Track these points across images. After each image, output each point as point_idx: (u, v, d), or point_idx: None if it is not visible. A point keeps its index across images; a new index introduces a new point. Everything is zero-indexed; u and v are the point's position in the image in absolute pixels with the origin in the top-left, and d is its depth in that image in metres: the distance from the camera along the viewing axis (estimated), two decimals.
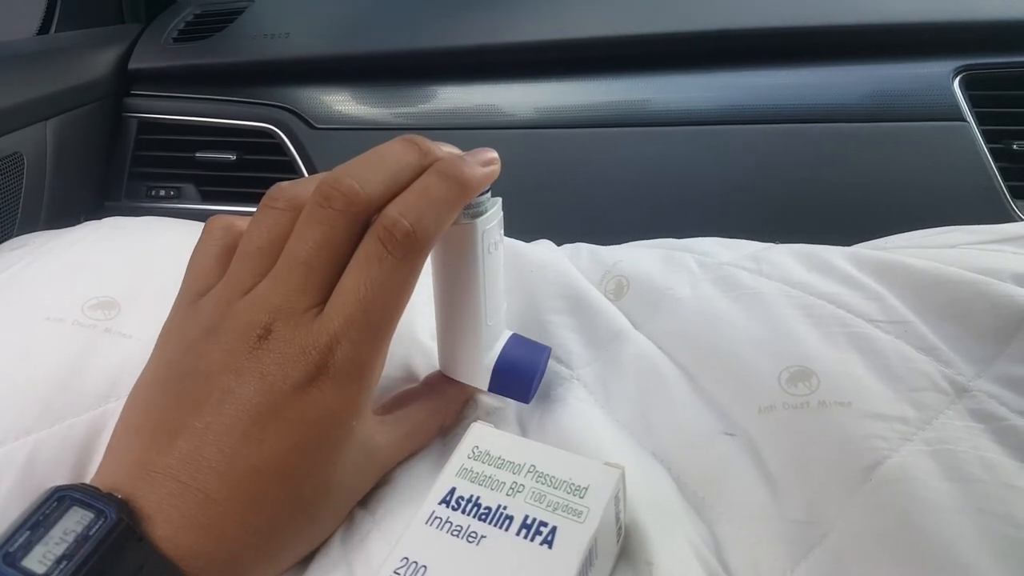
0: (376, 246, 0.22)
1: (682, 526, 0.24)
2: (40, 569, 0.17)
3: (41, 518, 0.18)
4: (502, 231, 0.27)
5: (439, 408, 0.28)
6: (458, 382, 0.28)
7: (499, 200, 0.26)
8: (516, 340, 0.28)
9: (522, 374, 0.27)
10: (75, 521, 0.18)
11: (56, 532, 0.18)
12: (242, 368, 0.21)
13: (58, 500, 0.19)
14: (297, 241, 0.23)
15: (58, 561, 0.17)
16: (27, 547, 0.17)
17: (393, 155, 0.23)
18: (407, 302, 0.23)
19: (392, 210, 0.22)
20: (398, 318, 0.23)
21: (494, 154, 0.25)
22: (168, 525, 0.19)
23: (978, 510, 0.21)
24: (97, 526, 0.18)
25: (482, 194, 0.25)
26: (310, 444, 0.22)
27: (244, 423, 0.21)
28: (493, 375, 0.27)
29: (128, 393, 0.25)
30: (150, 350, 0.28)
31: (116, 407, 0.27)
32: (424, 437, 0.27)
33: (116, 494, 0.19)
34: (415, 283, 0.23)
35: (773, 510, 0.24)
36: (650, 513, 0.24)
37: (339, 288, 0.22)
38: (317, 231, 0.22)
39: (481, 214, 0.25)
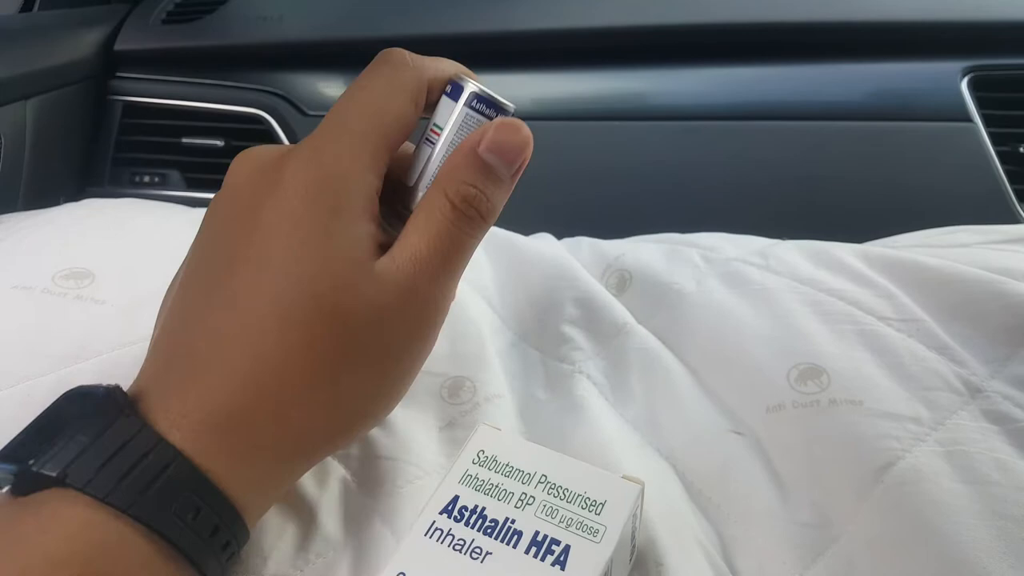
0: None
1: (690, 527, 0.23)
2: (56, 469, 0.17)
3: (46, 422, 0.19)
4: None
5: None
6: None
7: None
8: None
9: None
10: (75, 407, 0.19)
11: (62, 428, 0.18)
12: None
13: (66, 399, 0.19)
14: None
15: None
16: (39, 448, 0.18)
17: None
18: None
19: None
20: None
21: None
22: (157, 387, 0.19)
23: (993, 513, 0.20)
24: (83, 407, 0.18)
25: None
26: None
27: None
28: None
29: (102, 354, 0.26)
30: (125, 315, 0.28)
31: (86, 367, 0.26)
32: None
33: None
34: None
35: (781, 512, 0.23)
36: (658, 512, 0.23)
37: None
38: None
39: None
